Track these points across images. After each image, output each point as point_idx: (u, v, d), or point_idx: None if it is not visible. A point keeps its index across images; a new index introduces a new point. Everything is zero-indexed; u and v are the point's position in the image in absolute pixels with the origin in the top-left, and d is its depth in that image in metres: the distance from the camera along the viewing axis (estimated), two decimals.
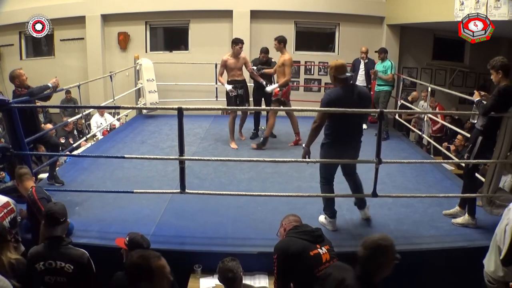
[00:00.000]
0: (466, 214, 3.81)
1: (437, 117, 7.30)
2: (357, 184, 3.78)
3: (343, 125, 3.42)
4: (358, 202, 3.85)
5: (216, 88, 8.15)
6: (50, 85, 4.42)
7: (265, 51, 6.48)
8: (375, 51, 7.07)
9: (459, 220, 3.82)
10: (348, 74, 3.49)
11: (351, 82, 3.64)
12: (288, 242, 2.62)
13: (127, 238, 2.69)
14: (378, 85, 6.86)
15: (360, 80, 7.24)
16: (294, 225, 2.77)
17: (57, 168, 5.22)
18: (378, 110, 3.82)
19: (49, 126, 6.88)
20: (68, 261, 2.54)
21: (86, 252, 2.65)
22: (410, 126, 7.63)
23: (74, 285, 2.55)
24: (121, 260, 2.71)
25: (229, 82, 6.00)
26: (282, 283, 2.61)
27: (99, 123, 8.24)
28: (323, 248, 2.60)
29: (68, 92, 9.05)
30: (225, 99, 6.14)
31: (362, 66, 7.25)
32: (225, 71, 6.03)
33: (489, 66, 3.63)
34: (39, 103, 7.07)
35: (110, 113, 8.70)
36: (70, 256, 2.57)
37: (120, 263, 2.69)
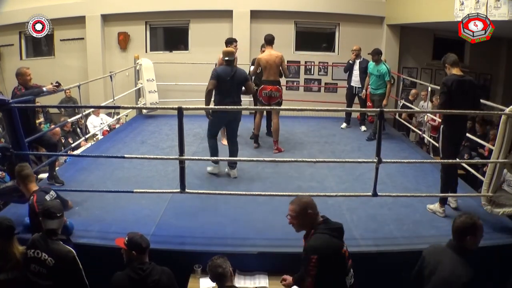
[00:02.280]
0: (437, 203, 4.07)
1: (436, 116, 7.29)
2: (235, 148, 5.00)
3: (225, 94, 4.77)
4: (231, 163, 4.90)
5: None
6: (44, 89, 4.41)
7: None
8: (368, 53, 6.78)
9: (431, 206, 4.09)
10: (228, 58, 4.80)
11: (235, 64, 4.96)
12: (326, 242, 2.46)
13: (126, 238, 2.69)
14: (373, 88, 6.65)
15: (355, 81, 7.14)
16: (322, 219, 2.59)
17: (57, 168, 5.23)
18: (378, 110, 3.82)
19: (58, 129, 6.89)
20: (51, 255, 2.60)
21: (74, 251, 2.66)
22: (411, 126, 7.64)
23: (54, 279, 2.60)
24: (121, 260, 2.70)
25: None
26: (318, 284, 2.45)
27: (94, 123, 8.24)
28: (345, 244, 2.58)
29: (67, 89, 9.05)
30: None
31: (356, 66, 7.10)
32: None
33: (442, 64, 4.08)
34: (39, 103, 7.10)
35: (109, 114, 8.70)
36: (55, 251, 2.62)
37: (120, 263, 2.69)
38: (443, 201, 4.03)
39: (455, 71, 3.91)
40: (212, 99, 4.89)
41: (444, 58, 4.05)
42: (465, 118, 4.16)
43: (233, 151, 4.98)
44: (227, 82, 4.72)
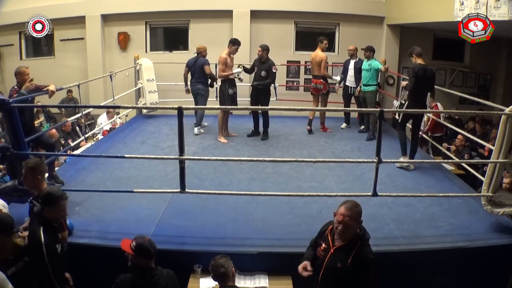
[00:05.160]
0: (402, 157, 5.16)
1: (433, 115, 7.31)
2: (200, 112, 6.83)
3: (192, 75, 6.82)
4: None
5: (216, 88, 8.15)
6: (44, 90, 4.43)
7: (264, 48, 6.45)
8: (361, 49, 6.93)
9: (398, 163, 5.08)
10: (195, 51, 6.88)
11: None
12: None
13: (133, 243, 2.59)
14: (364, 85, 6.73)
15: (350, 81, 7.14)
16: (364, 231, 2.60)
17: (57, 168, 5.23)
18: (378, 110, 3.82)
19: (54, 131, 6.88)
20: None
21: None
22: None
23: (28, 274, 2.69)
24: (122, 260, 2.68)
25: (226, 81, 6.23)
26: None
27: (104, 123, 8.25)
28: None
29: (69, 91, 9.05)
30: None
31: (351, 66, 7.11)
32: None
33: (408, 54, 5.22)
34: (39, 103, 7.10)
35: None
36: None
37: (120, 262, 2.68)
38: (404, 153, 5.25)
39: (420, 61, 5.03)
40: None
41: (412, 50, 5.14)
42: (425, 97, 5.23)
43: (199, 114, 6.85)
44: (191, 67, 6.75)
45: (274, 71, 6.40)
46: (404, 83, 5.54)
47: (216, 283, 2.73)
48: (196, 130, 6.75)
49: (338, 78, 7.17)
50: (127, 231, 3.32)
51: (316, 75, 6.87)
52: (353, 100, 7.27)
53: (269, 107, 5.91)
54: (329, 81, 7.01)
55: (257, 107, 6.44)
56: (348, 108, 7.40)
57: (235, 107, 6.14)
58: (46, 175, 3.36)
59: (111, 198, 4.08)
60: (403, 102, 5.84)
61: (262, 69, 6.34)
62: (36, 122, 8.51)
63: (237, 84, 6.44)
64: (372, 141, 6.25)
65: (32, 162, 3.10)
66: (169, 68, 8.99)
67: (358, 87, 6.95)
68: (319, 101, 7.00)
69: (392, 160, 5.28)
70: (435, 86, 6.93)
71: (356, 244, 2.47)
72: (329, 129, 7.07)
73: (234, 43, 6.27)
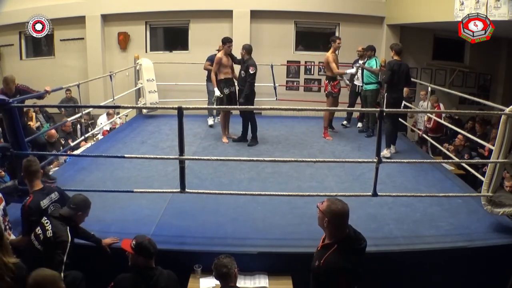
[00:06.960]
0: (385, 149, 5.49)
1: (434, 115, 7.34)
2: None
3: None
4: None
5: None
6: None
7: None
8: (362, 48, 7.04)
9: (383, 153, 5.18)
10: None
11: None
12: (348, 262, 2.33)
13: (133, 242, 2.61)
14: (365, 83, 6.82)
15: (359, 80, 7.16)
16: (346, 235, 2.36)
17: (56, 168, 5.23)
18: (379, 109, 3.82)
19: (53, 131, 6.86)
20: None
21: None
22: (410, 126, 7.63)
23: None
24: (121, 260, 2.68)
25: (221, 80, 6.13)
26: None
27: (104, 123, 8.25)
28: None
29: (68, 90, 9.06)
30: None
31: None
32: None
33: (390, 47, 5.86)
34: (39, 103, 7.09)
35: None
36: None
37: (120, 262, 2.68)
38: (388, 146, 5.63)
39: (396, 57, 5.59)
40: None
41: (393, 45, 5.78)
42: (402, 89, 5.78)
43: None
44: None
45: (252, 72, 6.02)
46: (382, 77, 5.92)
47: (217, 282, 2.72)
48: (209, 121, 7.21)
49: (353, 70, 6.92)
50: (127, 231, 3.32)
51: (325, 75, 6.76)
52: (358, 100, 7.32)
53: (268, 107, 5.87)
54: (342, 83, 6.92)
55: (251, 107, 6.28)
56: (348, 108, 7.41)
57: (230, 107, 6.12)
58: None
59: (111, 198, 4.08)
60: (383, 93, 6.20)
61: (242, 69, 6.14)
62: (36, 123, 8.53)
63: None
64: (372, 141, 6.25)
65: (24, 163, 3.17)
66: (169, 68, 9.00)
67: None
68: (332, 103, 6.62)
69: (392, 160, 5.28)
70: (436, 86, 7.07)
71: (333, 246, 2.34)
72: (329, 136, 6.67)
73: (225, 42, 6.17)
